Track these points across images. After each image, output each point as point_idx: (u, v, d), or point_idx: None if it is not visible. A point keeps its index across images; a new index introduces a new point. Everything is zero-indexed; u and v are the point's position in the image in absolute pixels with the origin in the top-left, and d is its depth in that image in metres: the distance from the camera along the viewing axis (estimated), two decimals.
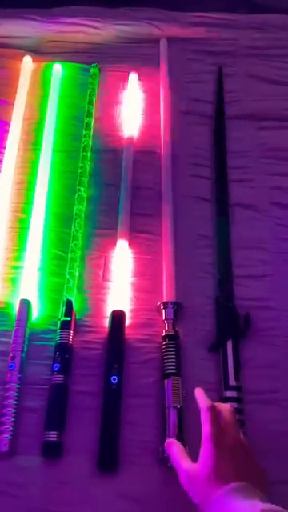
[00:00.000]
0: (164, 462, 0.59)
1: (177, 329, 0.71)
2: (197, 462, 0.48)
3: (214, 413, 0.50)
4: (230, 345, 0.70)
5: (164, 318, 0.72)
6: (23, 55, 1.06)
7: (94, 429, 0.63)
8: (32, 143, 0.95)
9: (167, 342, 0.69)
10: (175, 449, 0.53)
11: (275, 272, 0.78)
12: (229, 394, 0.66)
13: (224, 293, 0.75)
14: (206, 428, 0.49)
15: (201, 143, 0.94)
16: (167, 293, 0.74)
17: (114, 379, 0.65)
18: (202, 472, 0.46)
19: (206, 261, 0.79)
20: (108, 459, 0.61)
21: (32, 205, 0.84)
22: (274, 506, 0.39)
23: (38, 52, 1.08)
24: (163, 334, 0.70)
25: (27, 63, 1.05)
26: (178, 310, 0.73)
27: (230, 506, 0.41)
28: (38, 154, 0.92)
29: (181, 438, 0.61)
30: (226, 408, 0.52)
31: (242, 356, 0.70)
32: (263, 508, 0.39)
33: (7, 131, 0.95)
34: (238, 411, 0.64)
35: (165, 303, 0.73)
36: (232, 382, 0.67)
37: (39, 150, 0.92)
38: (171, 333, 0.70)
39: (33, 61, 1.06)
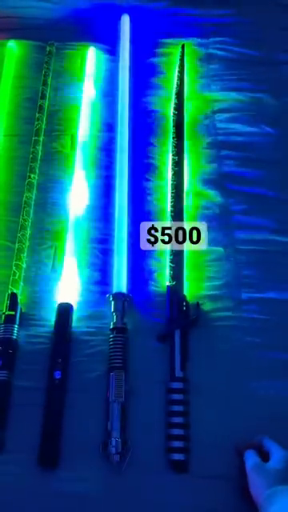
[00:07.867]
0: (106, 456, 0.59)
1: (126, 321, 0.70)
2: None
3: None
4: (177, 335, 0.69)
5: (113, 309, 0.71)
6: None
7: (36, 425, 0.62)
8: None
9: (114, 334, 0.68)
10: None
11: (229, 262, 0.77)
12: (174, 385, 0.65)
13: (175, 282, 0.74)
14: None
15: (158, 124, 0.92)
16: (116, 284, 0.73)
17: (57, 374, 0.64)
18: (270, 466, 0.54)
19: (158, 250, 0.77)
20: (48, 456, 0.60)
21: None
22: None
23: None
24: (111, 327, 0.69)
25: None
26: (127, 301, 0.71)
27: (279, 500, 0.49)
28: None
29: (123, 432, 0.60)
30: None
31: (193, 347, 0.68)
32: None
33: None
34: (182, 402, 0.64)
35: (114, 295, 0.71)
36: (178, 373, 0.66)
37: None
38: (119, 325, 0.69)
39: None
